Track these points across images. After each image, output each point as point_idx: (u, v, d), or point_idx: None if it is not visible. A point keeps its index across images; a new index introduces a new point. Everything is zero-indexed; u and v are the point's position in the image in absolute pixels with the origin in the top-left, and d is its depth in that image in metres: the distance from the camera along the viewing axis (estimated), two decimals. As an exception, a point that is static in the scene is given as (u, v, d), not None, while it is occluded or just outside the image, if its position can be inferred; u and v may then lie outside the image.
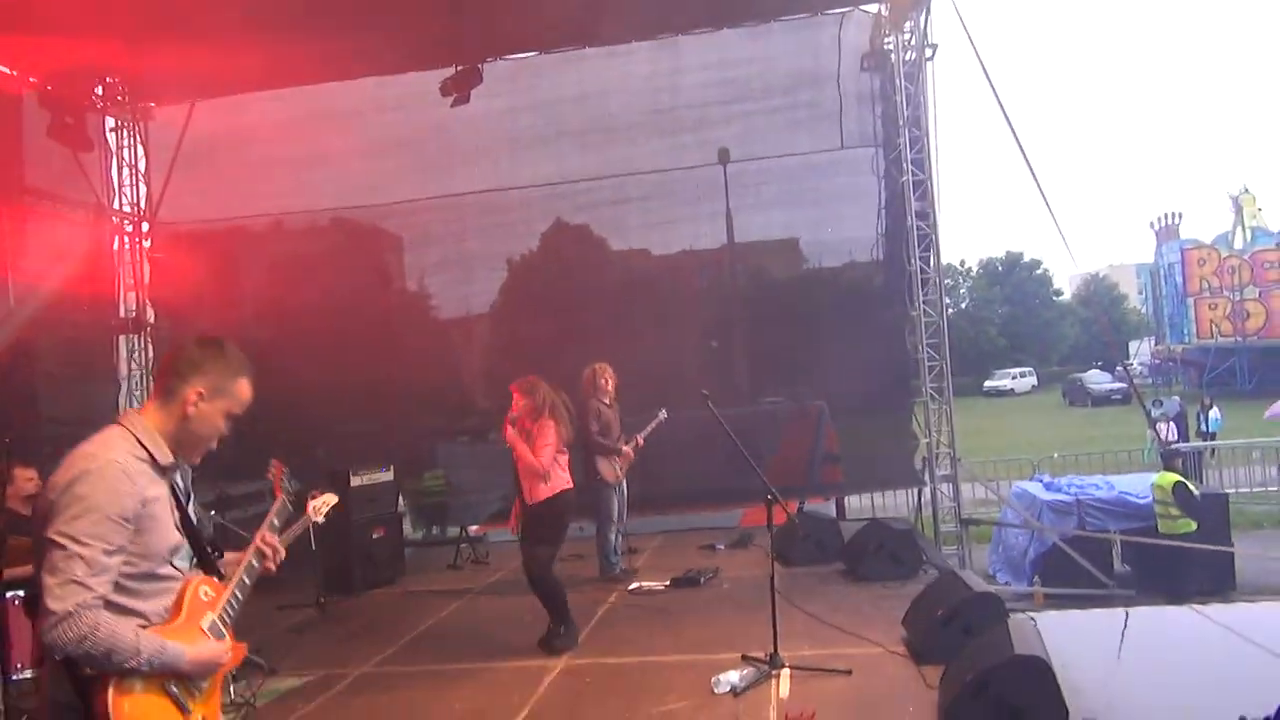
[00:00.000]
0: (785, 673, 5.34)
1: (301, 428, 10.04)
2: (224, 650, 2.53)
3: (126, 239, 10.96)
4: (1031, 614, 6.10)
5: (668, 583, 7.93)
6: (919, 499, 10.40)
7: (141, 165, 10.97)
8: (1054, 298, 62.35)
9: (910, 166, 9.79)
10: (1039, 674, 4.18)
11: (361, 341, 10.75)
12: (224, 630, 2.57)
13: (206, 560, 2.62)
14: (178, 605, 2.46)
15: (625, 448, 8.21)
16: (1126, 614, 6.43)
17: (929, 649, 5.37)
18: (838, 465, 10.76)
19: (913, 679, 5.18)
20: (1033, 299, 59.58)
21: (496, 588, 8.59)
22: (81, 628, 2.18)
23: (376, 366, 10.69)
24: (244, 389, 2.58)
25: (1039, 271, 61.23)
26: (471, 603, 8.11)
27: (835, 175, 10.46)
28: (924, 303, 9.90)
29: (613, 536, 8.31)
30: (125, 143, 10.89)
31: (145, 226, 11.03)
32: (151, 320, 10.90)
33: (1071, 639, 5.48)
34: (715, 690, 5.18)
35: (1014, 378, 53.37)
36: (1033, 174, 9.23)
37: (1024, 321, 58.03)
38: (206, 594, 2.55)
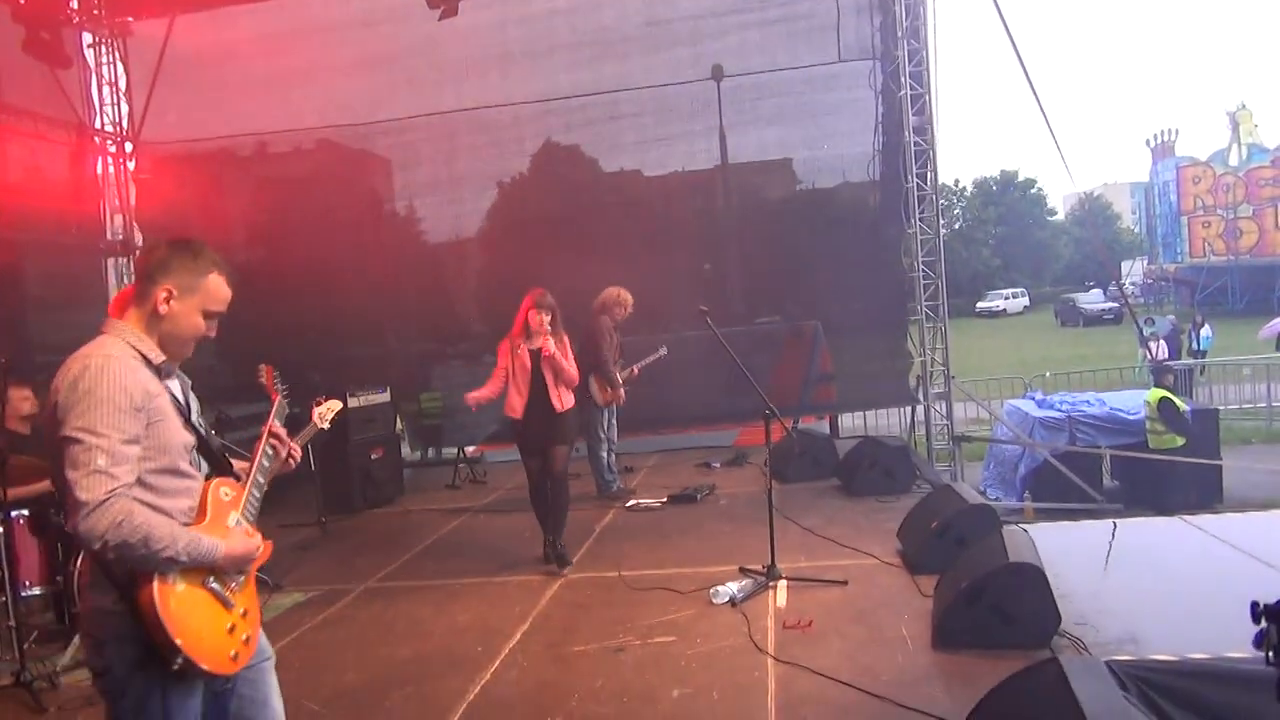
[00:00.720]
0: (782, 584, 5.46)
1: (295, 351, 10.04)
2: (257, 544, 2.57)
3: (110, 160, 10.78)
4: (1024, 526, 6.22)
5: (665, 500, 8.05)
6: (913, 417, 10.52)
7: (122, 83, 10.73)
8: (1048, 217, 62.07)
9: (908, 80, 9.65)
10: (1033, 581, 4.28)
11: (353, 265, 10.68)
12: (249, 528, 2.61)
13: (219, 463, 2.64)
14: (202, 507, 2.49)
15: (621, 391, 8.24)
16: (1115, 524, 6.54)
17: (923, 559, 5.48)
18: (832, 384, 10.82)
19: (907, 588, 5.30)
20: (1026, 219, 59.31)
21: (495, 506, 8.71)
22: (114, 514, 2.19)
23: (369, 290, 10.65)
24: (215, 285, 2.54)
25: (1033, 191, 60.83)
26: (471, 520, 8.23)
27: (831, 90, 10.28)
28: (920, 221, 9.87)
29: (604, 455, 8.40)
30: (104, 59, 10.64)
31: (129, 147, 10.84)
32: (139, 243, 10.79)
33: (1063, 549, 5.60)
34: (714, 601, 5.29)
35: (1007, 298, 53.51)
36: (1031, 86, 9.14)
37: (1017, 242, 57.85)
38: (227, 494, 2.58)
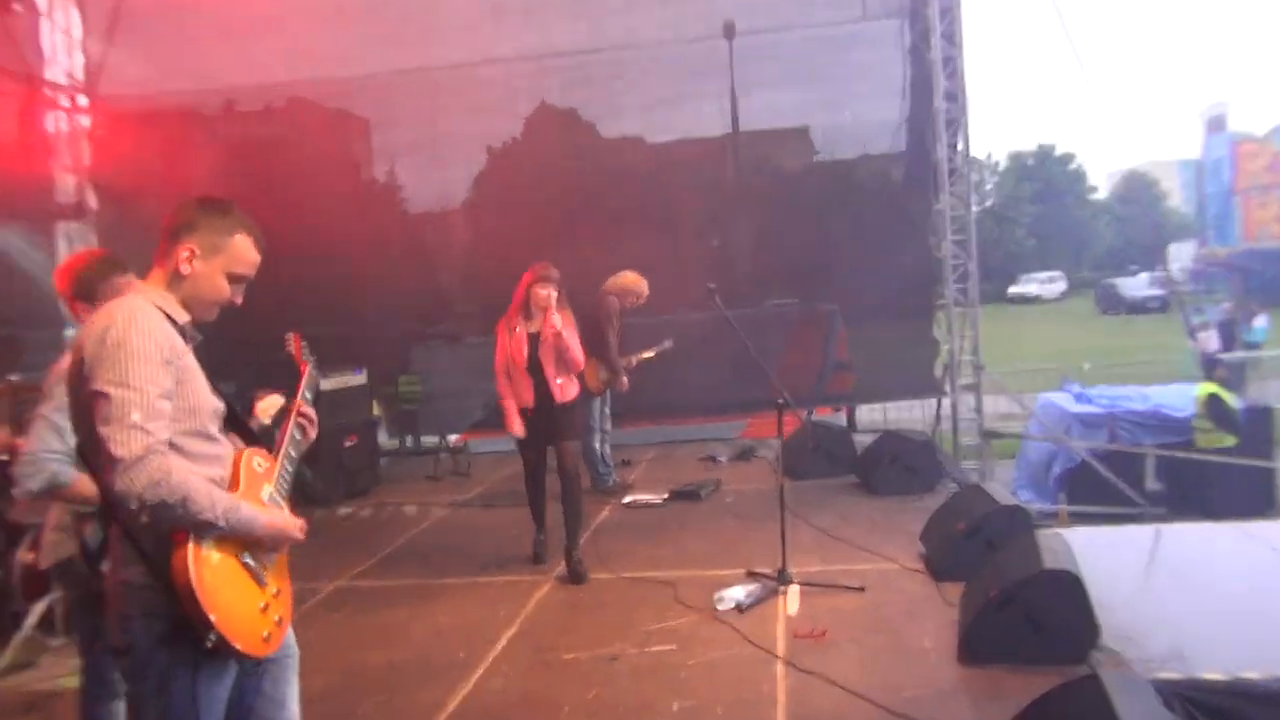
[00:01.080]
0: (794, 589, 5.45)
1: (262, 327, 9.98)
2: (296, 523, 2.62)
3: (63, 115, 10.70)
4: (1059, 530, 6.20)
5: (666, 496, 8.05)
6: (938, 410, 10.48)
7: (76, 31, 10.63)
8: (1088, 195, 61.97)
9: (940, 41, 9.57)
10: (1070, 589, 4.25)
11: (327, 234, 10.61)
12: (282, 503, 2.67)
13: (248, 433, 2.71)
14: (234, 476, 2.54)
15: (624, 378, 8.18)
16: (1158, 530, 6.53)
17: (949, 565, 5.46)
18: (850, 373, 10.79)
19: (931, 596, 5.29)
20: (1065, 196, 59.19)
21: (479, 499, 8.70)
22: (152, 472, 2.23)
23: (344, 262, 10.58)
24: (242, 246, 2.61)
25: (1072, 166, 60.75)
26: (453, 515, 8.22)
27: (854, 50, 10.17)
28: (949, 196, 9.80)
29: (598, 445, 8.38)
30: (57, 4, 10.53)
31: (83, 101, 10.76)
32: (94, 206, 10.72)
33: (1103, 555, 5.57)
34: (718, 607, 5.28)
35: (1042, 283, 53.46)
36: (1070, 45, 9.07)
37: (1054, 221, 57.74)
38: (260, 465, 2.64)
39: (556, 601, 5.71)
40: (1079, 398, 12.15)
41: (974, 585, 4.79)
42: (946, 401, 10.14)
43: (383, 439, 10.91)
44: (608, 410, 8.47)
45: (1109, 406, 11.52)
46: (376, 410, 10.41)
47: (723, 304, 5.94)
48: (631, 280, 8.18)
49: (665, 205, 10.74)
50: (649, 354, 8.51)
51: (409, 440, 11.68)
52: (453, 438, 10.54)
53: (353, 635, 5.37)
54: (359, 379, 9.24)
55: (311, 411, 2.91)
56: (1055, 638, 4.23)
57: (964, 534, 5.50)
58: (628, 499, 8.09)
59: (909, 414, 12.55)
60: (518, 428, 6.17)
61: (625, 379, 8.17)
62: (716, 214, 11.20)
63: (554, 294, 6.09)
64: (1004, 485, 9.24)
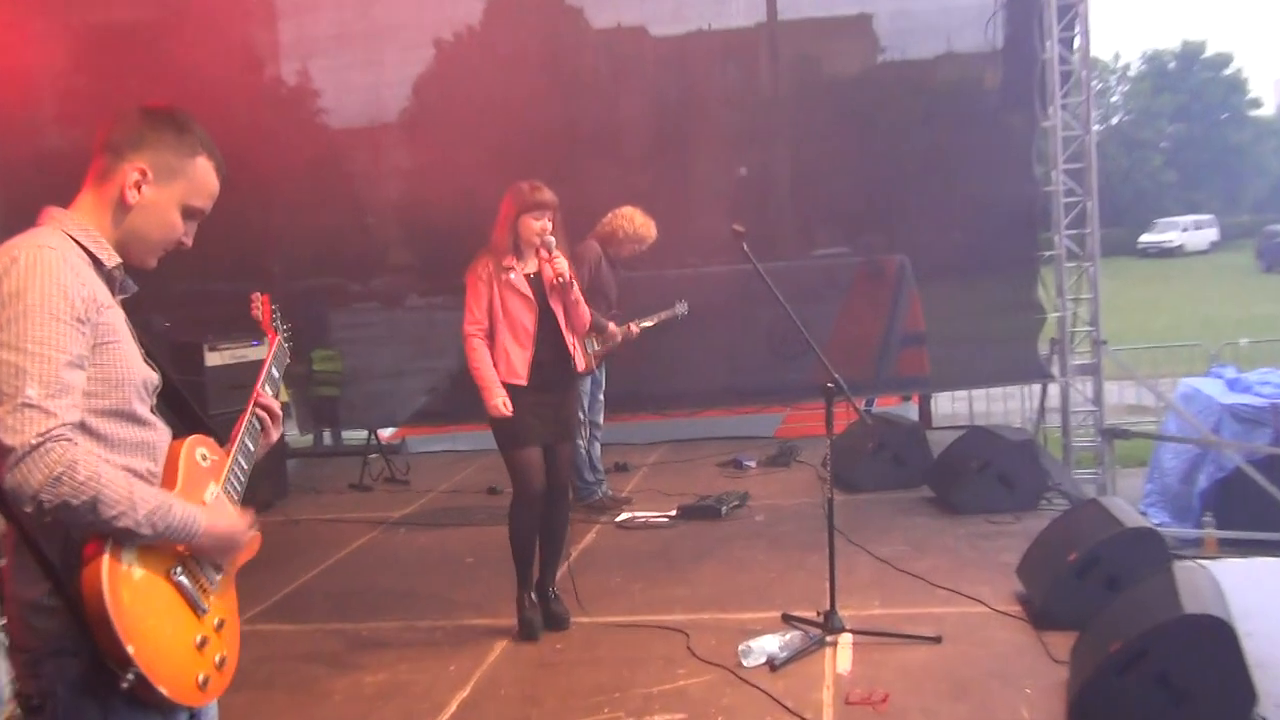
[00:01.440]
0: (846, 640, 5.47)
1: (134, 282, 10.01)
2: (247, 526, 2.63)
3: None
4: (1203, 562, 6.23)
5: (674, 513, 8.11)
6: (1042, 400, 10.51)
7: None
8: (1249, 112, 61.83)
9: (1051, -106, 9.56)
10: (1218, 641, 4.27)
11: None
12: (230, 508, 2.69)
13: (191, 415, 2.74)
14: (170, 470, 2.54)
15: (630, 326, 8.11)
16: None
17: (1056, 607, 5.49)
18: (924, 349, 10.82)
19: (1030, 648, 5.31)
20: (1218, 112, 59.10)
21: (421, 516, 8.78)
22: (51, 465, 2.21)
23: (240, 196, 10.51)
24: (204, 172, 2.64)
25: (1228, 72, 60.59)
26: (386, 537, 8.28)
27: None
28: (1062, 111, 9.78)
29: (583, 443, 8.37)
30: None
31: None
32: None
33: (1262, 597, 5.59)
34: (744, 662, 5.30)
35: (1185, 229, 53.47)
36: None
37: (1203, 146, 57.73)
38: (205, 457, 2.65)
39: (525, 655, 5.73)
40: (1233, 385, 12.14)
41: (1089, 635, 4.82)
42: (1054, 389, 10.17)
43: (292, 434, 10.94)
44: (601, 396, 8.47)
45: (1273, 397, 11.52)
46: (284, 395, 10.40)
47: (753, 254, 5.92)
48: (632, 221, 8.10)
49: (676, 120, 10.72)
50: (650, 321, 8.50)
51: (327, 436, 11.72)
52: (386, 433, 10.56)
53: (253, 696, 5.36)
54: (258, 352, 9.23)
55: (275, 404, 2.93)
56: (1197, 705, 4.25)
57: (1076, 567, 5.52)
58: (623, 516, 8.16)
59: (1003, 405, 12.59)
60: (502, 402, 5.72)
61: (632, 327, 8.14)
62: (745, 132, 11.19)
63: (550, 225, 5.88)
64: (1131, 501, 9.30)
